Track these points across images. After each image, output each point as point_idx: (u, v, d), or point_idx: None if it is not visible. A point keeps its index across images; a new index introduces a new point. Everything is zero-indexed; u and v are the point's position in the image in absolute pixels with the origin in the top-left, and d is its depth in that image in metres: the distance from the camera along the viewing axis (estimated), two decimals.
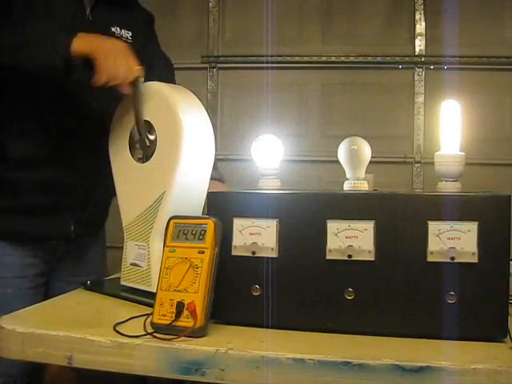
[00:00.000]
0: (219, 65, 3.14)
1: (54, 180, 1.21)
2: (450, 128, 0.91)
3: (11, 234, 1.21)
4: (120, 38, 1.27)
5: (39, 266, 1.25)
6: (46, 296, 1.24)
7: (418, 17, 2.95)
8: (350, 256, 0.84)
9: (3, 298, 1.18)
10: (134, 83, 1.05)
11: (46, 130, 1.19)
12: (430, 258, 0.81)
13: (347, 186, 0.95)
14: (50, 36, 1.06)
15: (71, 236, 1.26)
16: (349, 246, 0.84)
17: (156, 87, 1.07)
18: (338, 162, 0.97)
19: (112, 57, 1.02)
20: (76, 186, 1.24)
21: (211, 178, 1.12)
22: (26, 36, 1.06)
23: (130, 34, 1.29)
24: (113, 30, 1.26)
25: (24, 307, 0.98)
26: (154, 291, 0.87)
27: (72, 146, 1.22)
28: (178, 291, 0.83)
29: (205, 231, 0.85)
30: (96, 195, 1.28)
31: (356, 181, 0.94)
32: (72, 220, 1.25)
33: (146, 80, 1.08)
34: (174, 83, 1.29)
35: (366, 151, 0.95)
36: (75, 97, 1.21)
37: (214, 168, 1.25)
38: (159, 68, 1.38)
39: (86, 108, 1.22)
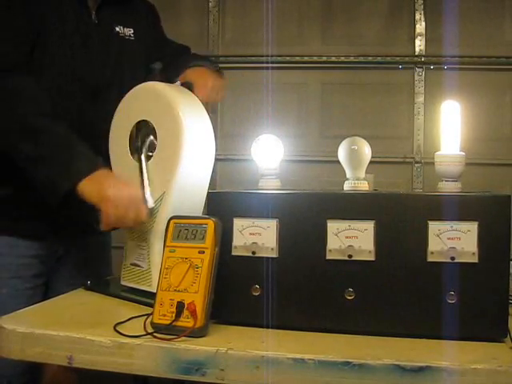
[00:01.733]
0: (219, 65, 3.13)
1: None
2: (449, 128, 0.91)
3: (11, 233, 1.21)
4: (124, 36, 1.28)
5: (36, 266, 1.24)
6: (47, 297, 1.23)
7: (418, 17, 2.95)
8: (350, 256, 0.84)
9: None
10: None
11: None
12: (430, 258, 0.81)
13: (347, 186, 0.95)
14: (61, 167, 1.03)
15: (80, 237, 1.26)
16: (349, 246, 0.84)
17: (156, 87, 1.07)
18: (338, 161, 0.96)
19: (121, 209, 0.99)
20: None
21: (195, 65, 1.15)
22: (38, 153, 1.05)
23: (132, 31, 1.30)
24: (117, 29, 1.27)
25: (20, 308, 0.98)
26: (154, 291, 0.87)
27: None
28: (178, 291, 0.83)
29: (205, 231, 0.85)
30: None
31: (356, 181, 0.94)
32: (78, 222, 1.25)
33: (148, 78, 1.09)
34: (198, 56, 1.30)
35: (366, 151, 0.95)
36: (81, 102, 1.21)
37: (200, 58, 1.27)
38: (175, 52, 1.41)
39: (90, 111, 1.22)
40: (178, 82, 1.13)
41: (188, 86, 1.13)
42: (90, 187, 1.01)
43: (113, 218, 1.00)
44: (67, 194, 1.02)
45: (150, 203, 1.02)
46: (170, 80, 1.15)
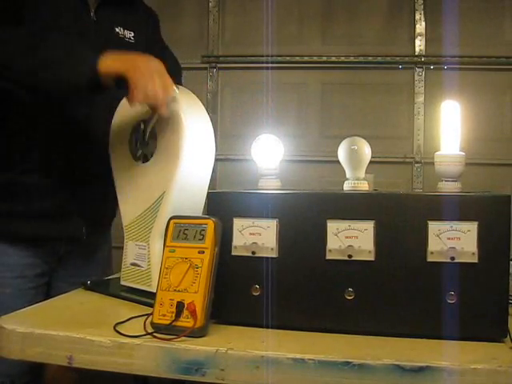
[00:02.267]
0: (219, 65, 3.14)
1: (62, 185, 1.21)
2: (450, 128, 0.91)
3: (14, 235, 1.21)
4: (123, 38, 1.28)
5: (40, 266, 1.25)
6: (48, 297, 1.23)
7: (418, 17, 2.95)
8: (350, 256, 0.84)
9: (2, 298, 1.17)
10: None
11: (54, 136, 1.19)
12: (430, 258, 0.81)
13: (347, 186, 0.95)
14: (76, 55, 1.02)
15: (82, 238, 1.26)
16: (349, 246, 0.84)
17: None
18: (337, 161, 0.96)
19: (149, 75, 0.97)
20: (84, 190, 1.23)
21: None
22: (46, 54, 1.03)
23: (133, 34, 1.29)
24: (116, 30, 1.26)
25: (23, 307, 0.98)
26: (154, 291, 0.87)
27: (80, 152, 1.22)
28: (178, 291, 0.83)
29: (205, 231, 0.85)
30: (104, 197, 1.27)
31: (356, 181, 0.94)
32: (80, 223, 1.25)
33: None
34: (181, 83, 1.28)
35: (366, 151, 0.95)
36: (85, 105, 1.21)
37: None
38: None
39: (95, 115, 1.22)
40: None
41: None
42: (111, 61, 0.99)
43: (141, 86, 0.96)
44: (93, 73, 0.99)
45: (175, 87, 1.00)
46: None
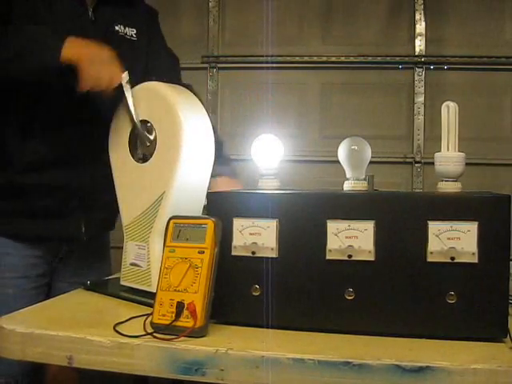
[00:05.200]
0: (219, 65, 3.14)
1: (62, 184, 1.20)
2: (449, 128, 0.91)
3: (16, 235, 1.21)
4: (124, 36, 1.27)
5: (41, 266, 1.25)
6: (49, 297, 1.24)
7: (418, 17, 2.95)
8: (350, 256, 0.84)
9: (4, 298, 1.17)
10: (120, 88, 1.07)
11: (53, 134, 1.19)
12: (430, 258, 0.81)
13: (347, 186, 0.95)
14: (40, 44, 1.08)
15: (82, 238, 1.26)
16: (349, 246, 0.84)
17: (156, 87, 1.07)
18: (337, 161, 0.96)
19: (96, 64, 1.05)
20: (84, 189, 1.23)
21: (222, 175, 1.12)
22: (16, 47, 1.08)
23: (135, 31, 1.29)
24: (116, 28, 1.26)
25: (25, 307, 0.98)
26: (154, 291, 0.87)
27: (79, 150, 1.22)
28: (178, 291, 0.83)
29: (205, 231, 0.85)
30: (104, 197, 1.27)
31: (356, 181, 0.94)
32: (81, 222, 1.25)
33: (146, 80, 1.09)
34: (180, 80, 1.29)
35: (366, 151, 0.95)
36: (82, 101, 1.21)
37: (227, 164, 1.26)
38: (163, 68, 1.39)
39: (93, 112, 1.22)
40: None
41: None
42: (68, 49, 1.06)
43: (89, 75, 1.05)
44: (56, 67, 1.05)
45: (125, 76, 1.07)
46: None
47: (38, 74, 1.08)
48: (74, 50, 1.06)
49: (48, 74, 1.08)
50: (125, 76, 1.08)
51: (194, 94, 1.13)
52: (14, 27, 1.11)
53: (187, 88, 1.12)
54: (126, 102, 1.07)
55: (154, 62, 1.38)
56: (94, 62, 1.05)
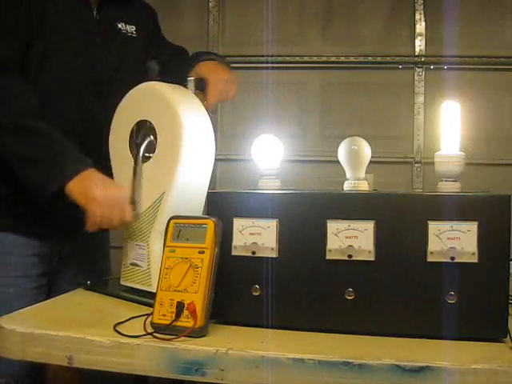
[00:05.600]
0: None
1: None
2: (450, 128, 0.91)
3: (18, 235, 1.21)
4: (126, 33, 1.29)
5: (41, 265, 1.25)
6: (49, 297, 1.24)
7: (418, 17, 2.95)
8: (350, 256, 0.84)
9: (5, 298, 1.17)
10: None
11: (53, 134, 1.19)
12: (430, 258, 0.81)
13: (347, 186, 0.95)
14: (51, 168, 1.06)
15: (85, 236, 1.25)
16: (349, 246, 0.84)
17: (156, 87, 1.07)
18: (338, 162, 0.96)
19: (106, 209, 1.02)
20: None
21: (205, 59, 1.18)
22: (29, 154, 1.07)
23: (134, 28, 1.32)
24: (119, 26, 1.28)
25: (26, 307, 0.98)
26: (154, 291, 0.87)
27: (81, 150, 1.22)
28: (178, 291, 0.83)
29: (205, 231, 0.85)
30: None
31: (356, 181, 0.94)
32: (81, 224, 1.25)
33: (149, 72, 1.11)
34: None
35: (366, 151, 0.95)
36: (82, 98, 1.22)
37: (207, 54, 1.27)
38: (173, 53, 1.43)
39: (92, 107, 1.23)
40: (192, 79, 1.13)
41: (201, 81, 1.13)
42: (77, 188, 1.03)
43: (98, 218, 1.02)
44: (56, 194, 1.04)
45: (137, 207, 1.04)
46: (175, 77, 1.15)
47: (37, 189, 1.07)
48: (83, 190, 1.03)
49: (45, 195, 1.06)
50: (134, 215, 1.05)
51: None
52: (41, 125, 1.10)
53: (202, 84, 1.14)
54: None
55: (161, 49, 1.41)
56: (102, 206, 1.02)
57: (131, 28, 1.31)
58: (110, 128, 1.14)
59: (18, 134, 1.08)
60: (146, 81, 1.12)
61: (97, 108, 1.23)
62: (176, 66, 1.31)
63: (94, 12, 1.23)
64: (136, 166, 1.06)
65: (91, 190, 1.02)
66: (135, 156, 1.06)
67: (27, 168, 1.08)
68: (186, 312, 0.81)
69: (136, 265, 1.07)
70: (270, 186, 0.98)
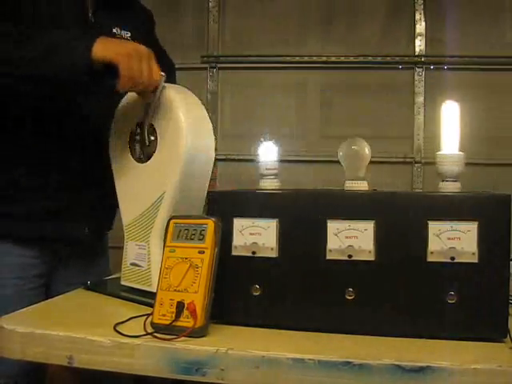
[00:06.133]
0: (219, 65, 3.14)
1: (63, 186, 1.20)
2: (450, 128, 0.91)
3: (15, 236, 1.21)
4: (120, 38, 1.28)
5: (39, 266, 1.24)
6: (48, 298, 1.23)
7: (418, 17, 2.95)
8: (350, 256, 0.84)
9: (2, 299, 1.17)
10: (155, 89, 1.03)
11: (55, 139, 1.19)
12: (430, 258, 0.81)
13: (347, 186, 0.95)
14: (70, 43, 1.04)
15: (85, 239, 1.26)
16: (349, 246, 0.84)
17: None
18: (338, 162, 0.96)
19: (135, 61, 1.00)
20: (85, 191, 1.23)
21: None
22: (43, 46, 1.04)
23: (129, 34, 1.30)
24: (114, 31, 1.27)
25: (23, 308, 0.98)
26: (154, 291, 0.87)
27: (81, 153, 1.22)
28: (178, 291, 0.83)
29: (205, 231, 0.85)
30: (105, 198, 1.27)
31: (356, 181, 0.94)
32: (83, 224, 1.25)
33: None
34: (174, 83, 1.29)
35: (366, 151, 0.95)
36: (84, 107, 1.21)
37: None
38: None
39: (97, 115, 1.23)
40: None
41: None
42: (101, 48, 1.01)
43: (130, 71, 0.99)
44: (89, 59, 1.00)
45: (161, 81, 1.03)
46: None
47: (68, 73, 1.04)
48: (109, 46, 1.02)
49: (78, 74, 1.03)
50: (163, 74, 1.03)
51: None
52: (39, 28, 1.08)
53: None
54: (153, 102, 1.03)
55: None
56: (132, 57, 0.99)
57: (126, 34, 1.29)
58: (103, 130, 1.14)
59: (21, 41, 1.05)
60: None
61: (92, 108, 1.23)
62: None
63: (90, 15, 1.22)
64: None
65: (118, 45, 1.03)
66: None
67: (47, 59, 1.03)
68: (186, 312, 0.81)
69: (136, 265, 1.08)
70: (270, 186, 0.98)
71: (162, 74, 1.03)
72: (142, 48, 1.03)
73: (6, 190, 1.19)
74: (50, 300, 1.11)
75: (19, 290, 1.20)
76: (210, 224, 0.85)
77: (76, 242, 1.27)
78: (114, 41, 1.06)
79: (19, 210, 1.20)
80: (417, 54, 2.96)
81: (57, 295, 1.13)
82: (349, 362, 0.73)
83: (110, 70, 1.00)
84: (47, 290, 1.28)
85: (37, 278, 1.24)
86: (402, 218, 0.83)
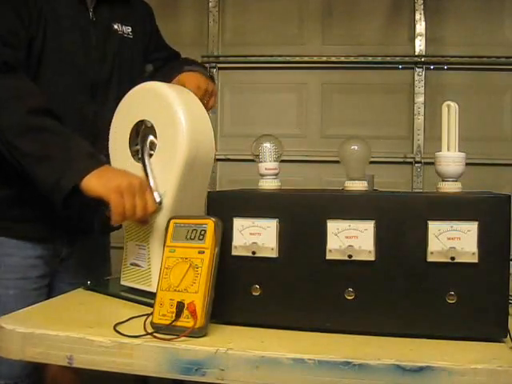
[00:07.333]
0: (219, 65, 3.13)
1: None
2: (449, 128, 0.91)
3: (18, 237, 1.21)
4: (122, 34, 1.29)
5: (42, 267, 1.25)
6: (50, 298, 1.23)
7: (418, 17, 2.95)
8: (350, 256, 0.84)
9: (5, 299, 1.17)
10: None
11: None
12: (430, 258, 0.81)
13: (347, 186, 0.95)
14: (67, 162, 1.02)
15: (96, 233, 1.25)
16: (349, 246, 0.84)
17: (156, 87, 1.07)
18: (338, 162, 0.96)
19: (128, 198, 0.98)
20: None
21: (189, 70, 1.17)
22: (41, 145, 1.04)
23: (130, 29, 1.31)
24: (115, 27, 1.28)
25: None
26: (154, 291, 0.87)
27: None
28: (178, 291, 0.83)
29: (205, 231, 0.85)
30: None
31: (356, 181, 0.94)
32: (86, 224, 1.25)
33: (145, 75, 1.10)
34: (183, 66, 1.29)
35: (366, 151, 0.95)
36: (79, 99, 1.22)
37: (189, 63, 1.27)
38: (166, 59, 1.42)
39: (89, 107, 1.23)
40: None
41: None
42: (94, 181, 1.00)
43: (122, 208, 0.98)
44: (71, 191, 1.00)
45: (157, 197, 1.01)
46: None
47: (47, 184, 1.02)
48: (103, 182, 0.99)
49: (56, 193, 1.01)
50: (159, 202, 1.02)
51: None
52: (51, 122, 1.07)
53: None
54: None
55: (155, 54, 1.40)
56: (124, 194, 0.98)
57: (127, 29, 1.30)
58: (108, 129, 1.14)
59: (28, 132, 1.04)
60: (144, 82, 1.12)
61: (94, 109, 1.23)
62: (163, 73, 1.30)
63: (91, 13, 1.23)
64: (144, 161, 1.04)
65: (111, 180, 1.00)
66: (141, 153, 1.05)
67: (40, 166, 1.03)
68: (186, 312, 0.81)
69: (136, 265, 1.08)
70: (270, 186, 0.98)
71: (158, 202, 1.01)
72: (136, 181, 1.00)
73: (7, 189, 1.19)
74: (50, 300, 1.11)
75: (22, 291, 1.20)
76: (209, 224, 0.85)
77: (75, 241, 1.27)
78: (110, 174, 1.02)
79: (19, 211, 1.20)
80: (417, 54, 2.96)
81: (59, 295, 1.13)
82: (349, 362, 0.73)
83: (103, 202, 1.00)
84: (49, 291, 1.28)
85: (40, 279, 1.24)
86: (402, 218, 0.83)
